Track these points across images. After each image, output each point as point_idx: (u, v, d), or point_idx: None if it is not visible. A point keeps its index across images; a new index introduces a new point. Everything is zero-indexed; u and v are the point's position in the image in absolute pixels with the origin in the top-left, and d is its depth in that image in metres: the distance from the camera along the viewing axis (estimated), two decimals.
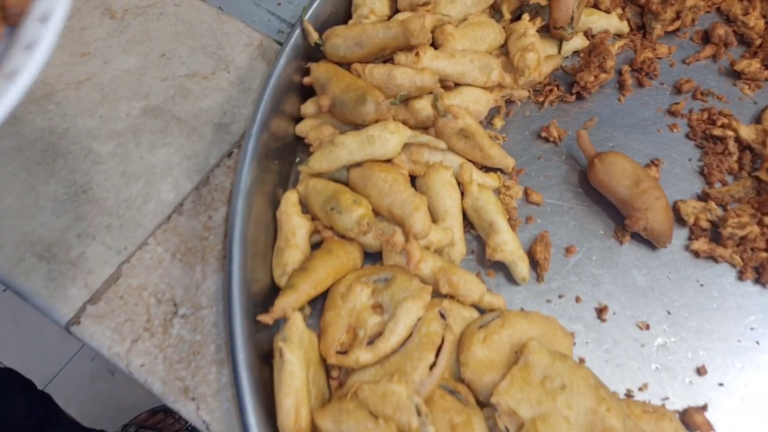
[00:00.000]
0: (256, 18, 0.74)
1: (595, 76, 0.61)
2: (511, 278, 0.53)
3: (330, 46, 0.56)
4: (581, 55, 0.64)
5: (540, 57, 0.57)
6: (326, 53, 0.58)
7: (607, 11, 0.66)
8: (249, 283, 0.48)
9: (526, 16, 0.62)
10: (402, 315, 0.45)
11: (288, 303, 0.46)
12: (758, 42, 0.66)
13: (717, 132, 0.60)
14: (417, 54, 0.55)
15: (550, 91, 0.63)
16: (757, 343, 0.51)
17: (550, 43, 0.64)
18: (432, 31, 0.60)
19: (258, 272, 0.51)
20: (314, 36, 0.57)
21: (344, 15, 0.63)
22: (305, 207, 0.54)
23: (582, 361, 0.50)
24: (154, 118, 0.61)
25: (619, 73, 0.65)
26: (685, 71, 0.66)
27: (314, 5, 0.60)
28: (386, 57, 0.57)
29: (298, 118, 0.59)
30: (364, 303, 0.47)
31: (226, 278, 0.49)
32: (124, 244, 0.54)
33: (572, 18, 0.60)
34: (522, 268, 0.52)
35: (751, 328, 0.52)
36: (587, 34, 0.66)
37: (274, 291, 0.50)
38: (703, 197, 0.58)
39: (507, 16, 0.62)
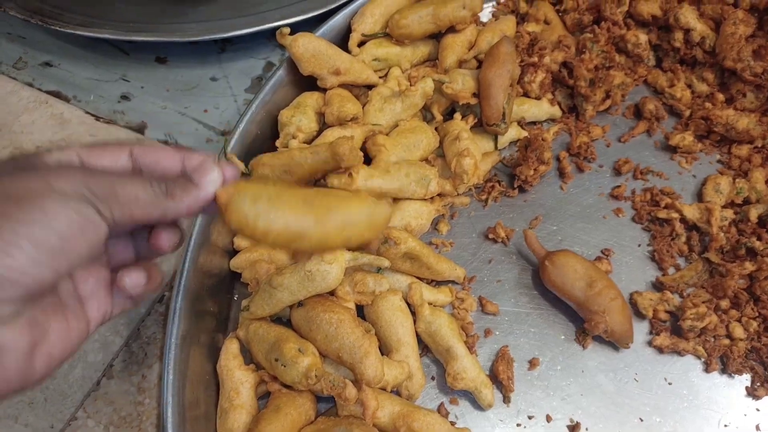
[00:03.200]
0: (184, 128, 0.71)
1: (535, 169, 0.60)
2: (476, 403, 0.50)
3: (257, 176, 0.53)
4: (518, 150, 0.63)
5: (476, 161, 0.56)
6: None
7: (538, 98, 0.66)
8: None
9: (458, 116, 0.61)
10: None
11: None
12: (688, 113, 0.67)
13: (662, 214, 0.60)
14: (350, 175, 0.52)
15: (492, 187, 0.61)
16: None
17: (485, 137, 0.62)
18: (364, 142, 0.58)
19: None
20: (240, 166, 0.54)
21: (270, 134, 0.60)
22: (249, 351, 0.50)
23: None
24: None
25: (558, 159, 0.64)
26: (622, 150, 0.65)
27: (239, 129, 0.57)
28: (318, 179, 0.55)
29: (232, 252, 0.56)
30: None
31: None
32: (50, 421, 0.49)
33: (504, 113, 0.59)
34: (486, 394, 0.49)
35: (725, 425, 0.50)
36: (521, 123, 0.65)
37: None
38: (659, 286, 0.57)
39: (438, 117, 0.61)
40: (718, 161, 0.65)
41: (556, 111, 0.66)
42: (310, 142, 0.58)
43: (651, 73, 0.70)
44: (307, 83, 0.61)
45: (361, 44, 0.63)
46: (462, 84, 0.60)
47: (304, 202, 0.33)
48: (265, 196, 0.32)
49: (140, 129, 0.70)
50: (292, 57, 0.58)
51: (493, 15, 0.75)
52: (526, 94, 0.65)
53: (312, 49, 0.57)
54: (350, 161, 0.51)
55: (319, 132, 0.58)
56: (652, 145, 0.66)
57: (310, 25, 0.64)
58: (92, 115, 0.70)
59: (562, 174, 0.63)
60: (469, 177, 0.55)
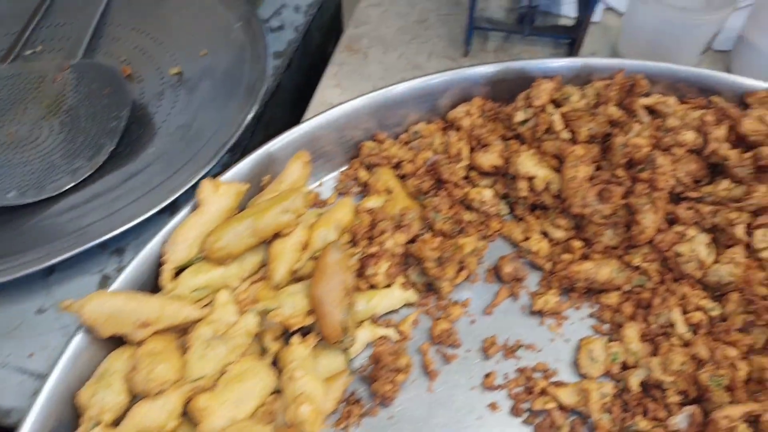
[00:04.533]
0: (4, 384, 0.61)
1: (392, 381, 0.54)
2: None
3: None
4: (369, 364, 0.56)
5: (317, 406, 0.48)
6: None
7: (388, 285, 0.60)
8: None
9: (295, 339, 0.54)
10: None
11: None
12: (548, 266, 0.63)
13: (538, 405, 0.54)
14: None
15: (349, 412, 0.54)
16: None
17: (333, 353, 0.56)
18: (185, 405, 0.50)
19: None
20: None
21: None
22: None
23: None
24: None
25: (420, 352, 0.57)
26: (488, 324, 0.60)
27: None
28: None
29: None
30: None
31: None
32: None
33: (345, 328, 0.53)
34: None
35: None
36: (374, 320, 0.59)
37: None
38: None
39: (273, 348, 0.54)
40: (590, 315, 0.61)
41: (411, 295, 0.60)
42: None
43: (505, 225, 0.67)
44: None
45: (180, 271, 0.57)
46: (293, 307, 0.53)
47: None
48: None
49: None
50: (84, 324, 0.50)
51: (336, 188, 0.70)
52: (373, 285, 0.60)
53: (107, 310, 0.50)
54: None
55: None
56: (519, 311, 0.61)
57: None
58: None
59: (426, 370, 0.57)
60: (310, 426, 0.48)
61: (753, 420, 0.50)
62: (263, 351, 0.54)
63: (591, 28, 0.91)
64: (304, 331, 0.55)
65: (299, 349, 0.53)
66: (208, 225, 0.57)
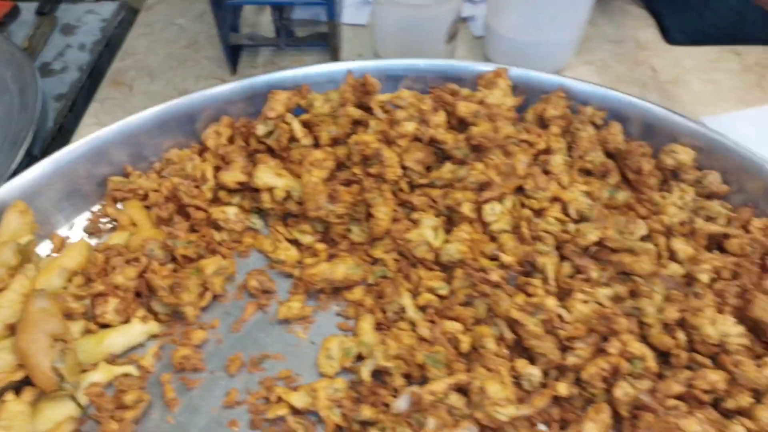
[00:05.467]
0: None
1: (120, 419, 0.52)
2: None
3: None
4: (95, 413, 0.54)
5: None
6: None
7: (127, 321, 0.59)
8: None
9: (8, 397, 0.51)
10: None
11: None
12: (297, 273, 0.64)
13: (272, 414, 0.54)
14: None
15: None
16: None
17: (61, 400, 0.54)
18: None
19: None
20: None
21: None
22: None
23: None
24: None
25: (160, 383, 0.56)
26: (236, 341, 0.60)
27: None
28: None
29: None
30: None
31: None
32: None
33: (60, 375, 0.51)
34: None
35: None
36: (114, 359, 0.57)
37: None
38: None
39: None
40: (338, 314, 0.62)
41: (153, 327, 0.59)
42: None
43: (256, 239, 0.67)
44: None
45: None
46: (1, 363, 0.51)
47: None
48: None
49: None
50: None
51: (84, 229, 0.68)
52: (105, 325, 0.58)
53: None
54: None
55: None
56: (268, 323, 0.61)
57: None
58: None
59: (164, 399, 0.56)
60: None
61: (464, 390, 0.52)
62: None
63: (358, 31, 0.94)
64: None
65: (13, 405, 0.51)
66: None
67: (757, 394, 0.51)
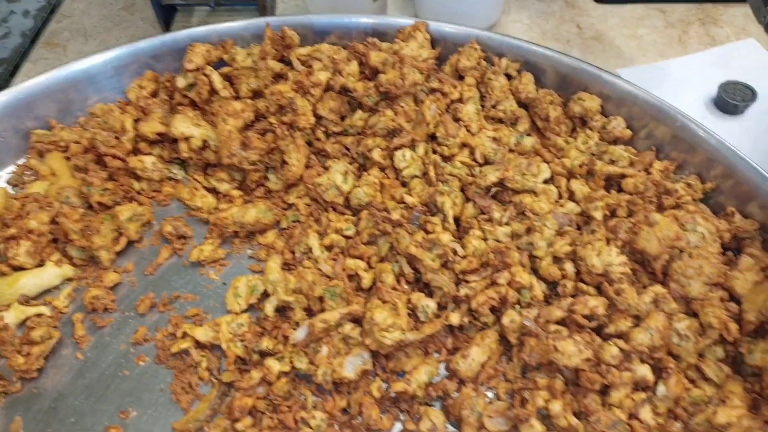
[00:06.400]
0: None
1: (27, 354, 0.54)
2: None
3: None
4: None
5: None
6: None
7: (41, 264, 0.60)
8: None
9: None
10: None
11: None
12: (213, 219, 0.65)
13: (175, 348, 0.56)
14: None
15: None
16: None
17: None
18: None
19: None
20: None
21: None
22: None
23: None
24: None
25: (72, 323, 0.58)
26: (147, 283, 0.61)
27: None
28: None
29: None
30: None
31: None
32: None
33: None
34: None
35: None
36: (28, 300, 0.59)
37: None
38: None
39: None
40: (250, 257, 0.64)
41: (68, 270, 0.61)
42: None
43: (176, 188, 0.68)
44: None
45: None
46: None
47: None
48: None
49: None
50: None
51: (8, 181, 0.69)
52: (20, 267, 0.60)
53: None
54: None
55: None
56: (182, 266, 0.63)
57: None
58: None
59: (77, 341, 0.57)
60: None
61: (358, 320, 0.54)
62: None
63: None
64: None
65: None
66: None
67: (638, 320, 0.53)
